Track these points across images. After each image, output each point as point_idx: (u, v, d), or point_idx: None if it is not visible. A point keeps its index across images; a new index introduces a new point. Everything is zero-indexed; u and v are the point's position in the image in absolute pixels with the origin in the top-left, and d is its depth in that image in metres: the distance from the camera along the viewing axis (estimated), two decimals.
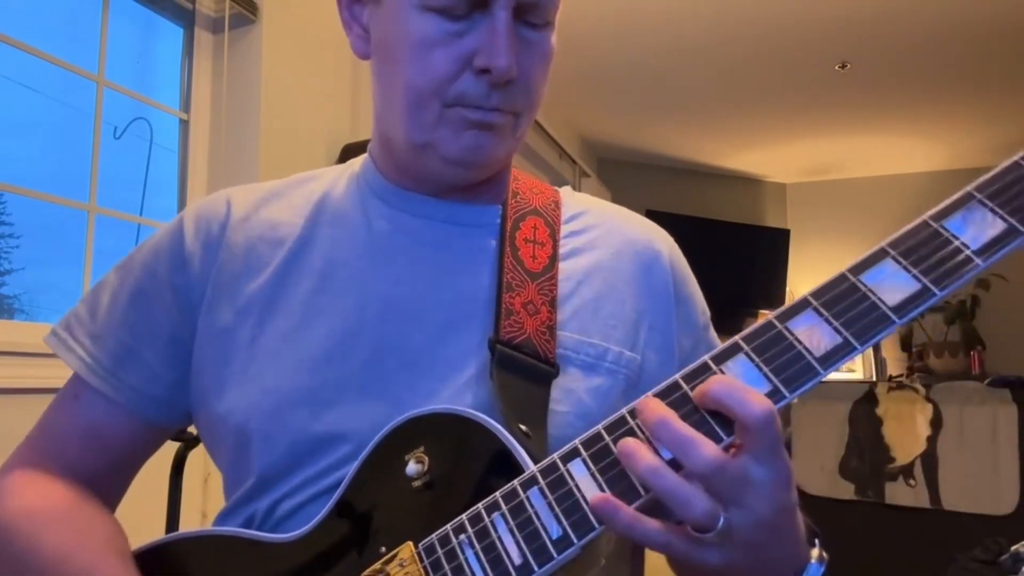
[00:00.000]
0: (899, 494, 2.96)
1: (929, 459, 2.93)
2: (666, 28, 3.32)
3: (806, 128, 4.60)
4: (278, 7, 2.20)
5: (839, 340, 0.48)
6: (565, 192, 0.80)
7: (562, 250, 0.72)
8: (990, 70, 3.71)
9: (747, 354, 0.50)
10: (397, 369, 0.64)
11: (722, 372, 0.50)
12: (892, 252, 0.49)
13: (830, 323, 0.49)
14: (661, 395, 0.51)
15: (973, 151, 4.95)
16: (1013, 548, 1.93)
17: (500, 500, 0.52)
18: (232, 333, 0.67)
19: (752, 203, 5.59)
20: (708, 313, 0.78)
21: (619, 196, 5.04)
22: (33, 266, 1.88)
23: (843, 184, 5.54)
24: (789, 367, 0.49)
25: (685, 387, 0.51)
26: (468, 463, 0.56)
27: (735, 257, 4.81)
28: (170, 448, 1.46)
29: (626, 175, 5.21)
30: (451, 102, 0.64)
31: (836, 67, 3.69)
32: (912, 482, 2.95)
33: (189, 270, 0.70)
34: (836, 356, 0.48)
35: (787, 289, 5.32)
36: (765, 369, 0.49)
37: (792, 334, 0.49)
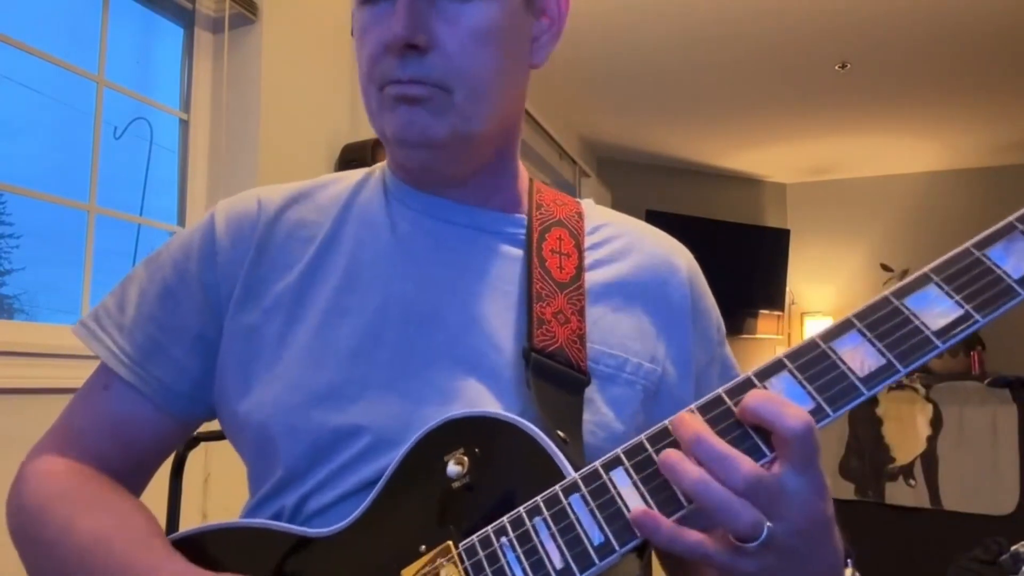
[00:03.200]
0: (899, 494, 2.96)
1: (929, 459, 2.94)
2: (666, 28, 3.32)
3: (806, 128, 4.61)
4: (278, 7, 2.20)
5: (883, 362, 0.49)
6: (587, 205, 0.80)
7: (586, 261, 0.73)
8: (990, 70, 3.72)
9: (791, 371, 0.51)
10: (419, 368, 0.65)
11: (765, 388, 0.51)
12: (935, 278, 0.50)
13: (874, 345, 0.50)
14: (703, 409, 0.52)
15: (973, 151, 4.96)
16: (1013, 548, 1.94)
17: (542, 505, 0.53)
18: (259, 331, 0.68)
19: (752, 203, 5.59)
20: (724, 330, 0.79)
21: (619, 196, 5.04)
22: (33, 266, 1.88)
23: (843, 184, 5.54)
24: (833, 386, 0.50)
25: (728, 401, 0.51)
26: (508, 467, 0.57)
27: (735, 257, 4.81)
28: None
29: (626, 175, 5.21)
30: (380, 83, 0.66)
31: (836, 67, 3.69)
32: (912, 482, 2.95)
33: (219, 268, 0.71)
34: (879, 377, 0.49)
35: (787, 289, 5.32)
36: (808, 387, 0.50)
37: (836, 354, 0.50)
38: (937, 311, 0.49)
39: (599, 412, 0.65)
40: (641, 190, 5.12)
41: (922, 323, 0.49)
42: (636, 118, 4.50)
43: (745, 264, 5.00)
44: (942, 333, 0.49)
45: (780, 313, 5.33)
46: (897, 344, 0.49)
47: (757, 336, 5.19)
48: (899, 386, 3.07)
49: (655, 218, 0.90)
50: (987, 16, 3.16)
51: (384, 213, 0.74)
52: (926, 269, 0.51)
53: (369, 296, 0.68)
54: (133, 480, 0.73)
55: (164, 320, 0.71)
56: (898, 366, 0.49)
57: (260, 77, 2.12)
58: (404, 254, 0.71)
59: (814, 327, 5.22)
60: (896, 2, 3.07)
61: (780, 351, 0.53)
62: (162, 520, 1.47)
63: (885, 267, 4.81)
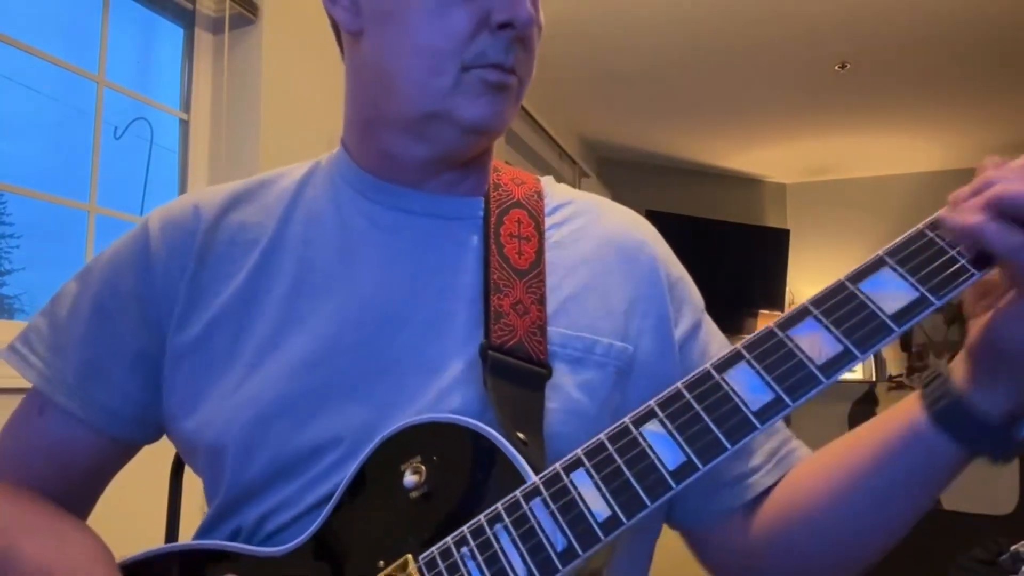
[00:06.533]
0: None
1: None
2: (666, 28, 3.32)
3: (806, 128, 4.61)
4: (278, 7, 2.20)
5: (840, 348, 0.48)
6: (547, 182, 0.77)
7: (546, 243, 0.69)
8: (989, 70, 3.71)
9: (749, 362, 0.50)
10: (380, 373, 0.62)
11: (724, 381, 0.50)
12: (890, 261, 0.50)
13: (831, 331, 0.49)
14: (663, 404, 0.51)
15: (973, 151, 4.95)
16: (1013, 548, 1.93)
17: (502, 512, 0.51)
18: (205, 345, 0.64)
19: (752, 203, 5.59)
20: (702, 302, 0.77)
21: (619, 196, 5.02)
22: (33, 266, 1.88)
23: (843, 184, 5.55)
24: (791, 375, 0.49)
25: (688, 396, 0.50)
26: (466, 473, 0.55)
27: (735, 257, 4.81)
28: (170, 445, 1.46)
29: (626, 175, 5.21)
30: (469, 64, 0.61)
31: (836, 67, 3.69)
32: None
33: (156, 282, 0.67)
34: (838, 364, 0.48)
35: (787, 289, 5.32)
36: (767, 377, 0.49)
37: (793, 342, 0.50)
38: (893, 294, 0.49)
39: (570, 399, 0.62)
40: (641, 190, 5.12)
41: (878, 307, 0.48)
42: (636, 118, 4.50)
43: (745, 264, 5.00)
44: (898, 317, 0.48)
45: (780, 313, 5.29)
46: (854, 330, 0.48)
47: None
48: (899, 386, 3.07)
49: (655, 218, 0.89)
50: (987, 17, 3.16)
51: (332, 207, 0.69)
52: (880, 252, 0.51)
53: (322, 300, 0.64)
54: (76, 503, 0.69)
55: (100, 340, 0.67)
56: (856, 352, 0.48)
57: (260, 77, 2.12)
58: (356, 252, 0.66)
59: None
60: (896, 2, 3.07)
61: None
62: (162, 519, 1.47)
63: None
